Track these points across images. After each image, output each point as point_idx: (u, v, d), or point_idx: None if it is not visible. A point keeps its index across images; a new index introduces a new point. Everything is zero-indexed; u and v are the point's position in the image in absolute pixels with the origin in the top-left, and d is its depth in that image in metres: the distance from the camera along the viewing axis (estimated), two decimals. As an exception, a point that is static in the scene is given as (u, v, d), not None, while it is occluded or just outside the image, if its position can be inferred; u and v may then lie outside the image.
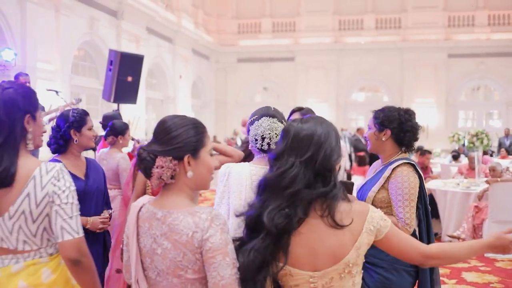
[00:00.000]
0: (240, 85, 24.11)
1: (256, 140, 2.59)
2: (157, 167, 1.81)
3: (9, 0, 10.93)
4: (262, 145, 2.58)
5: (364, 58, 22.47)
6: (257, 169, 2.56)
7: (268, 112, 2.73)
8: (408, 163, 2.92)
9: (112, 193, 4.48)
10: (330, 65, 22.89)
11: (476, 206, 7.65)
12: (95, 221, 3.24)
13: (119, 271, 3.50)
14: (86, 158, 3.44)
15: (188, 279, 1.80)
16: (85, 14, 13.73)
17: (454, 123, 22.04)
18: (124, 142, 4.90)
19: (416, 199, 2.86)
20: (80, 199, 3.08)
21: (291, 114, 3.84)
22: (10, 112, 2.01)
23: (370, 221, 1.86)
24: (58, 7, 12.36)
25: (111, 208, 3.53)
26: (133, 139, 6.38)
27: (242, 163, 2.71)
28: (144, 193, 3.75)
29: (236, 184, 2.56)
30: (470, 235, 7.56)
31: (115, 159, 4.66)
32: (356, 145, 13.98)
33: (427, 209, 2.98)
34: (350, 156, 14.17)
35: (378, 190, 2.94)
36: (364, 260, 1.91)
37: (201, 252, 1.75)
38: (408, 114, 3.03)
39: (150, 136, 15.59)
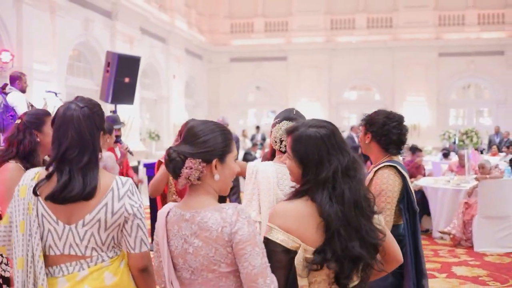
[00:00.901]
0: (233, 85, 24.25)
1: (276, 142, 2.80)
2: (186, 168, 1.92)
3: (4, 2, 11.03)
4: (280, 147, 2.78)
5: (356, 57, 22.67)
6: (281, 167, 2.77)
7: (289, 116, 2.94)
8: (390, 165, 2.99)
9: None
10: (322, 64, 23.08)
11: (466, 203, 7.87)
12: None
13: None
14: None
15: (222, 273, 1.91)
16: (80, 15, 13.84)
17: (445, 121, 22.31)
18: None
19: (395, 202, 2.93)
20: None
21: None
22: (92, 130, 2.14)
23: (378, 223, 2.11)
24: (53, 8, 12.46)
25: None
26: (129, 152, 6.47)
27: (267, 162, 2.91)
28: (165, 183, 3.88)
29: (265, 182, 2.77)
30: (461, 230, 7.77)
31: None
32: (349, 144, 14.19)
33: (414, 210, 3.02)
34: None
35: None
36: None
37: (231, 246, 1.87)
38: (388, 118, 3.10)
39: (144, 136, 15.76)
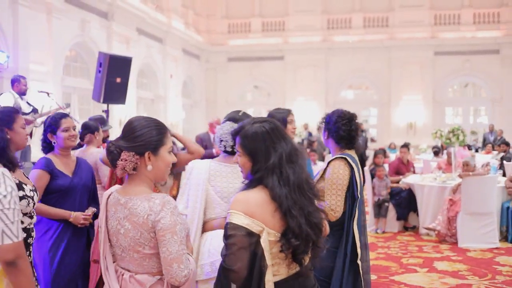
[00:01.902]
0: (230, 84, 24.41)
1: (216, 141, 2.98)
2: (121, 160, 2.17)
3: (1, 4, 11.21)
4: (219, 147, 2.95)
5: (352, 57, 22.83)
6: (216, 165, 2.94)
7: (234, 117, 3.08)
8: (340, 157, 3.34)
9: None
10: (319, 64, 23.23)
11: (450, 199, 8.02)
12: (77, 216, 3.55)
13: (96, 261, 3.72)
14: (77, 158, 3.80)
15: (146, 254, 2.17)
16: (77, 16, 14.02)
17: (441, 120, 22.44)
18: (99, 137, 5.21)
19: (345, 189, 3.28)
20: (65, 194, 3.41)
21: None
22: None
23: None
24: (50, 10, 12.65)
25: (98, 205, 3.83)
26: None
27: (205, 160, 3.05)
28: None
29: (196, 178, 2.92)
30: (445, 227, 7.93)
31: (93, 155, 4.84)
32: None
33: (354, 197, 3.31)
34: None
35: (317, 180, 3.38)
36: None
37: (154, 231, 2.12)
38: (339, 117, 3.49)
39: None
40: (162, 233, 2.09)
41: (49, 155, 3.61)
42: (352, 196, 3.30)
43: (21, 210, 2.97)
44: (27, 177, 3.29)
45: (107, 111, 8.41)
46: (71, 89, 14.28)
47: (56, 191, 3.54)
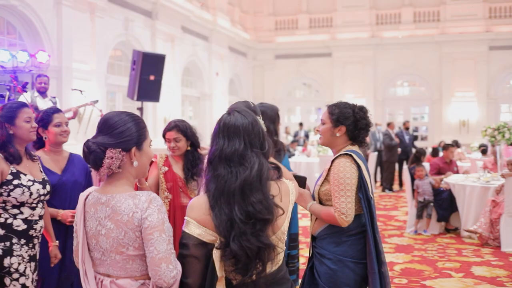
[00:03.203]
0: (277, 82, 24.28)
1: None
2: (107, 158, 2.04)
3: (45, 5, 11.46)
4: None
5: (402, 53, 22.25)
6: None
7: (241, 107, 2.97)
8: (346, 154, 2.94)
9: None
10: (368, 60, 22.76)
11: (493, 201, 7.60)
12: (65, 214, 3.49)
13: None
14: (70, 154, 3.71)
15: (129, 256, 2.03)
16: (120, 15, 14.21)
17: (495, 117, 21.51)
18: None
19: (354, 189, 2.87)
20: (53, 192, 3.36)
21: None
22: None
23: (292, 192, 2.18)
24: (93, 9, 12.85)
25: None
26: None
27: None
28: (157, 187, 3.99)
29: None
30: (487, 229, 7.52)
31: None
32: (383, 140, 13.96)
33: (369, 198, 2.94)
34: (380, 151, 14.16)
35: (322, 183, 3.01)
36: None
37: (140, 230, 1.99)
38: (363, 112, 3.06)
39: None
40: (150, 231, 1.96)
41: (39, 152, 3.55)
42: (366, 197, 2.92)
43: (16, 198, 3.01)
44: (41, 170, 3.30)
45: (141, 109, 8.44)
46: (115, 87, 14.49)
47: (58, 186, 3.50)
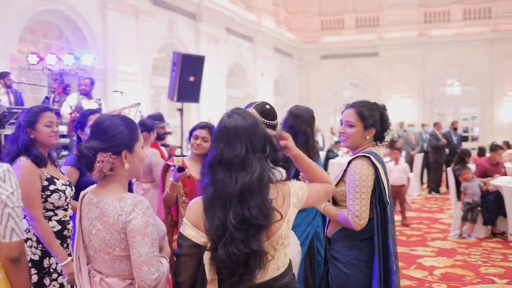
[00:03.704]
0: (323, 82, 24.10)
1: None
2: (98, 162, 2.07)
3: (91, 9, 11.75)
4: None
5: (451, 51, 21.66)
6: None
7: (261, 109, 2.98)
8: (363, 156, 2.85)
9: (145, 186, 4.84)
10: (415, 59, 22.29)
11: (542, 204, 7.28)
12: None
13: None
14: None
15: (116, 256, 2.07)
16: (164, 18, 14.42)
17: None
18: (153, 137, 5.22)
19: (370, 192, 2.79)
20: (83, 190, 3.40)
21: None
22: None
23: (293, 195, 2.08)
24: (137, 12, 13.09)
25: None
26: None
27: None
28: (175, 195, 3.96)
29: None
30: (536, 234, 7.21)
31: (147, 157, 4.93)
32: (430, 141, 13.61)
33: (384, 202, 2.83)
34: (427, 152, 13.82)
35: (337, 183, 2.93)
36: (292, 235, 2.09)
37: (125, 232, 2.02)
38: (386, 111, 3.00)
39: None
40: (133, 234, 2.00)
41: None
42: (381, 201, 2.83)
43: (53, 203, 3.06)
44: (62, 173, 3.36)
45: (181, 110, 8.51)
46: (160, 89, 14.70)
47: (85, 187, 3.54)
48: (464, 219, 8.15)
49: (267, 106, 3.06)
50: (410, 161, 13.49)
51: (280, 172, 2.11)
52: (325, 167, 14.03)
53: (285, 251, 2.06)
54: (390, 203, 2.92)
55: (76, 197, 3.53)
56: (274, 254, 1.99)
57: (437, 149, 13.34)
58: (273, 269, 2.01)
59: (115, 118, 2.17)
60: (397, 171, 9.31)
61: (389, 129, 3.03)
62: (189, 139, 3.87)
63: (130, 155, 2.13)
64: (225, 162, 1.96)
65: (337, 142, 15.84)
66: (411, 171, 12.98)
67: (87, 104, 7.96)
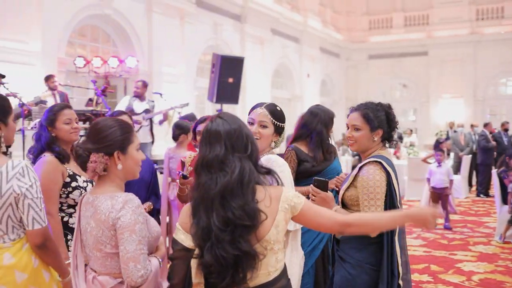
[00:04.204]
0: (371, 82, 23.81)
1: None
2: (91, 162, 2.15)
3: (137, 13, 12.04)
4: None
5: (504, 49, 20.99)
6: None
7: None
8: (375, 161, 2.79)
9: (180, 185, 4.94)
10: (467, 58, 21.73)
11: None
12: None
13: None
14: None
15: (107, 253, 2.13)
16: (209, 20, 14.60)
17: None
18: (189, 138, 5.27)
19: (383, 198, 2.75)
20: None
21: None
22: None
23: (284, 200, 2.01)
24: (182, 15, 13.31)
25: (159, 199, 3.91)
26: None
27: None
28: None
29: None
30: None
31: (183, 156, 5.01)
32: (479, 142, 13.20)
33: (395, 208, 2.77)
34: (476, 153, 13.43)
35: (347, 188, 2.88)
36: (284, 239, 2.06)
37: (115, 229, 2.08)
38: (392, 110, 2.94)
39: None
40: (121, 231, 2.05)
41: None
42: (392, 207, 2.77)
43: (74, 199, 3.17)
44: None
45: (220, 111, 8.59)
46: (204, 90, 14.74)
47: None
48: (510, 222, 7.89)
49: (278, 108, 3.04)
50: (458, 163, 13.16)
51: (277, 180, 2.07)
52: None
53: (277, 256, 2.01)
54: (400, 208, 2.86)
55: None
56: (264, 256, 1.96)
57: (486, 150, 12.94)
58: (263, 274, 1.98)
59: (109, 120, 2.24)
60: (439, 173, 9.09)
61: (397, 128, 2.97)
62: (194, 138, 3.95)
63: (123, 156, 2.19)
64: (206, 164, 1.97)
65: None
66: (459, 173, 12.66)
67: (139, 106, 8.17)
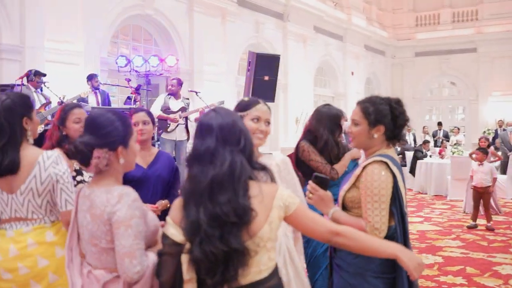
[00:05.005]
0: (418, 80, 23.38)
1: None
2: (94, 158, 2.11)
3: (178, 12, 12.21)
4: None
5: (559, 45, 20.24)
6: None
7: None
8: (380, 160, 2.56)
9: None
10: (518, 55, 21.03)
11: None
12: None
13: None
14: (158, 151, 3.93)
15: (103, 248, 2.09)
16: (251, 18, 14.65)
17: None
18: None
19: (389, 201, 2.51)
20: (138, 184, 3.57)
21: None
22: (10, 118, 2.57)
23: (279, 198, 1.96)
24: (224, 14, 13.42)
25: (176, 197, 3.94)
26: None
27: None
28: None
29: None
30: None
31: None
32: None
33: (403, 213, 2.56)
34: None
35: (349, 189, 2.64)
36: (277, 238, 2.00)
37: (110, 224, 2.04)
38: (400, 106, 2.66)
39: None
40: (117, 226, 2.01)
41: None
42: (400, 211, 2.54)
43: None
44: None
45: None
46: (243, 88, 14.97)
47: (129, 181, 3.71)
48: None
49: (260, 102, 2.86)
50: (505, 162, 12.75)
51: (271, 178, 2.03)
52: (413, 167, 13.63)
53: (269, 255, 1.95)
54: (407, 214, 2.66)
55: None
56: (256, 254, 1.91)
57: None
58: (254, 272, 1.92)
59: (109, 114, 2.21)
60: (481, 172, 8.83)
61: (407, 125, 2.73)
62: None
63: (125, 151, 2.17)
64: (197, 156, 1.94)
65: (425, 142, 15.31)
66: (505, 172, 12.28)
67: (174, 104, 8.27)
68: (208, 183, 1.88)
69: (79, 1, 9.72)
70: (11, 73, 8.35)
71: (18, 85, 6.93)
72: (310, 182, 2.57)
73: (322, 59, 18.57)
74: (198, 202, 1.88)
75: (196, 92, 8.70)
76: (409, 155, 14.47)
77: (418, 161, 13.55)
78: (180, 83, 8.50)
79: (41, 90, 7.62)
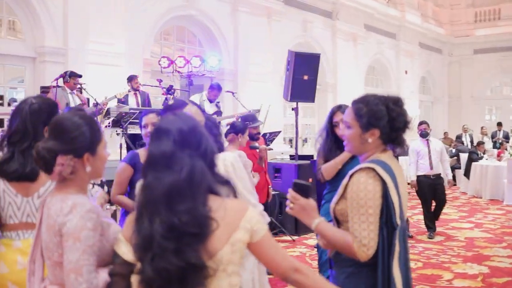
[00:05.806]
0: (476, 78, 22.44)
1: None
2: (58, 165, 1.91)
3: (222, 12, 12.15)
4: None
5: None
6: None
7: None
8: (367, 167, 2.28)
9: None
10: None
11: None
12: None
13: None
14: None
15: (56, 262, 1.89)
16: (298, 17, 14.42)
17: None
18: (243, 140, 5.13)
19: (378, 213, 2.21)
20: None
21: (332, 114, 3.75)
22: (35, 122, 2.52)
23: (248, 219, 1.74)
24: (270, 14, 13.26)
25: None
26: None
27: None
28: None
29: None
30: None
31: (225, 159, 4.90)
32: None
33: (393, 225, 2.22)
34: None
35: (338, 200, 2.34)
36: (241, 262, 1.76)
37: (61, 235, 1.83)
38: (399, 107, 2.33)
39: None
40: (66, 238, 1.81)
41: (139, 150, 3.75)
42: (388, 223, 2.22)
43: None
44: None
45: (296, 109, 8.39)
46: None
47: None
48: None
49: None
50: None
51: (234, 194, 1.83)
52: (468, 169, 13.05)
53: (230, 280, 1.71)
54: (403, 226, 2.30)
55: (130, 195, 3.66)
56: (215, 274, 1.67)
57: None
58: None
59: (76, 117, 2.00)
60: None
61: (408, 128, 2.36)
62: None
63: (92, 158, 1.97)
64: (152, 162, 1.73)
65: (480, 143, 14.60)
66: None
67: (208, 107, 8.23)
68: (164, 191, 1.66)
69: (122, 3, 9.81)
70: (54, 75, 8.48)
71: (54, 86, 6.99)
72: (289, 190, 2.28)
73: (373, 58, 18.11)
74: (152, 213, 1.66)
75: (233, 93, 8.59)
76: (464, 157, 13.86)
77: (473, 164, 12.96)
78: (220, 88, 8.47)
79: (80, 91, 7.69)
